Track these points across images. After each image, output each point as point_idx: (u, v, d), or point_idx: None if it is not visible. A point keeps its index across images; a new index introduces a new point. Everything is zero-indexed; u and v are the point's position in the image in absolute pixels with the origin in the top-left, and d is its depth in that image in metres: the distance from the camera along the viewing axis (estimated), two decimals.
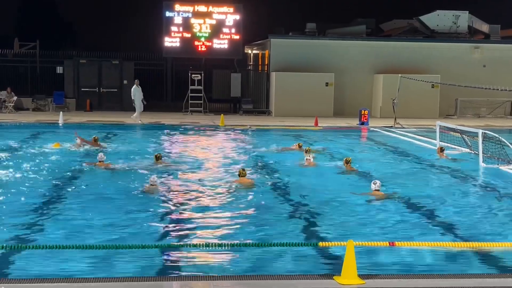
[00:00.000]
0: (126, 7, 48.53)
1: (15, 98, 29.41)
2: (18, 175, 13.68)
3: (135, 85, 26.40)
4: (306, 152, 16.22)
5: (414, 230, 9.95)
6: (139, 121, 25.77)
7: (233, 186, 12.90)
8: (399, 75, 27.07)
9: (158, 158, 15.48)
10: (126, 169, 14.78)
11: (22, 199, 11.52)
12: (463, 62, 31.99)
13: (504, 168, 15.84)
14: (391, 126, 25.88)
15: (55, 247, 8.02)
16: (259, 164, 16.27)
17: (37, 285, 6.95)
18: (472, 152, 17.95)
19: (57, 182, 13.19)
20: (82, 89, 31.28)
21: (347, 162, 15.07)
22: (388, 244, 8.31)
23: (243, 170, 13.36)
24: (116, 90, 31.53)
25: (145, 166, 15.05)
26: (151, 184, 12.41)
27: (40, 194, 11.98)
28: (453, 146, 19.16)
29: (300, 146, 18.02)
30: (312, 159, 15.63)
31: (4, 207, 10.80)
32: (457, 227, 10.21)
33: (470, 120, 28.65)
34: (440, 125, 19.49)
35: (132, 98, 26.17)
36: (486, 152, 16.69)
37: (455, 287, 7.12)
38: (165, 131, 23.49)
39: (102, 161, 14.80)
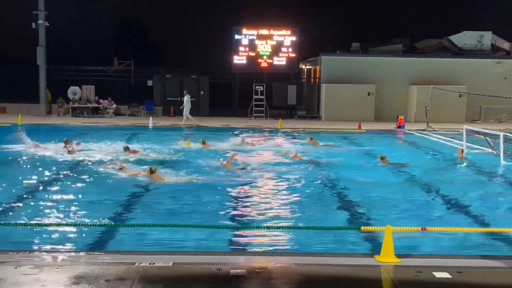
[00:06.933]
0: (203, 33, 49.17)
1: (114, 106, 30.25)
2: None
3: (186, 95, 27.11)
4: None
5: (443, 217, 9.76)
6: (187, 123, 26.30)
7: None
8: (431, 86, 26.47)
9: (126, 148, 16.02)
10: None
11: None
12: (487, 75, 30.89)
13: None
14: (424, 129, 25.32)
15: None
16: (309, 159, 16.12)
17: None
18: (494, 152, 17.40)
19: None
20: (168, 98, 31.87)
21: (382, 158, 15.22)
22: (420, 229, 8.17)
23: (154, 167, 12.61)
24: (194, 99, 31.95)
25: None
26: (119, 168, 12.55)
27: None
28: (478, 146, 18.60)
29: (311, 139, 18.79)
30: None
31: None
32: (480, 214, 9.99)
33: (492, 125, 27.63)
34: (466, 129, 18.97)
35: (184, 105, 26.83)
36: (507, 152, 16.17)
37: (480, 267, 6.96)
38: (233, 131, 23.68)
39: (71, 150, 15.69)
